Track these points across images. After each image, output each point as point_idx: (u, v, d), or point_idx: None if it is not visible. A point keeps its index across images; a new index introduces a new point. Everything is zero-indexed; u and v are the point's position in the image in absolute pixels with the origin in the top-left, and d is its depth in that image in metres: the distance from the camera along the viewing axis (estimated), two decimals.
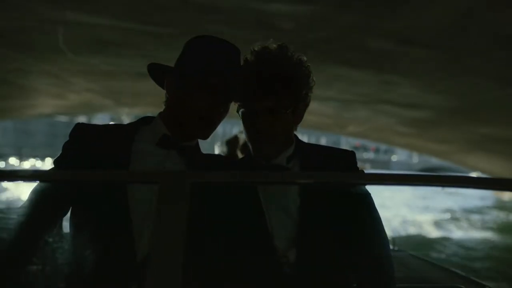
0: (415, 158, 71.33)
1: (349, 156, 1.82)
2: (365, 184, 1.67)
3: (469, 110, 11.25)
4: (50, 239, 1.78)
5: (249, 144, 1.77)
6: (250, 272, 1.72)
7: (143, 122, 1.84)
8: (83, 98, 14.93)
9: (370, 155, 77.48)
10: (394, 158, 76.59)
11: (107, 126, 1.83)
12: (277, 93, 1.67)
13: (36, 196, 1.74)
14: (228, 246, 1.72)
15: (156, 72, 1.84)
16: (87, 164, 1.68)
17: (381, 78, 10.04)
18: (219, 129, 1.90)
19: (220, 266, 1.73)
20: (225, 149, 3.96)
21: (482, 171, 17.65)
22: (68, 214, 1.78)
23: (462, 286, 2.51)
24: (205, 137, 1.79)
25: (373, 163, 67.42)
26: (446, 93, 10.30)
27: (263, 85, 1.66)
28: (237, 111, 1.76)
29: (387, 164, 71.68)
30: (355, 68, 9.42)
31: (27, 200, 1.74)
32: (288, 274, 1.70)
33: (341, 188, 1.75)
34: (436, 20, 6.46)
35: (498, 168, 16.37)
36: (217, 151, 4.23)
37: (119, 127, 1.82)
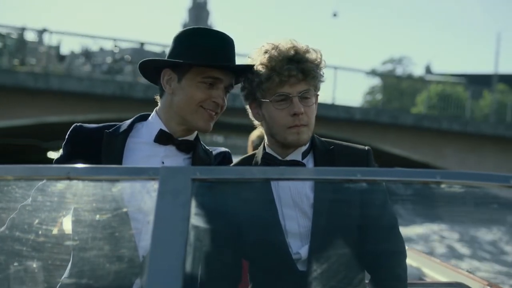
0: None
1: (364, 152, 1.79)
2: (380, 181, 1.61)
3: None
4: (52, 237, 1.73)
5: (277, 134, 1.72)
6: (263, 268, 1.70)
7: (139, 119, 1.83)
8: None
9: None
10: None
11: (103, 125, 1.82)
12: (309, 78, 1.70)
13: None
14: (241, 242, 1.68)
15: (150, 69, 1.82)
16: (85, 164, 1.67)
17: None
18: None
19: (233, 262, 1.70)
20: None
21: None
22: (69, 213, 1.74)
23: (463, 283, 2.49)
24: (207, 129, 1.76)
25: None
26: None
27: (296, 70, 1.67)
28: (247, 103, 1.75)
29: None
30: None
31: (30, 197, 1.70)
32: (301, 270, 1.67)
33: (355, 184, 1.70)
34: None
35: None
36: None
37: (114, 126, 1.81)
